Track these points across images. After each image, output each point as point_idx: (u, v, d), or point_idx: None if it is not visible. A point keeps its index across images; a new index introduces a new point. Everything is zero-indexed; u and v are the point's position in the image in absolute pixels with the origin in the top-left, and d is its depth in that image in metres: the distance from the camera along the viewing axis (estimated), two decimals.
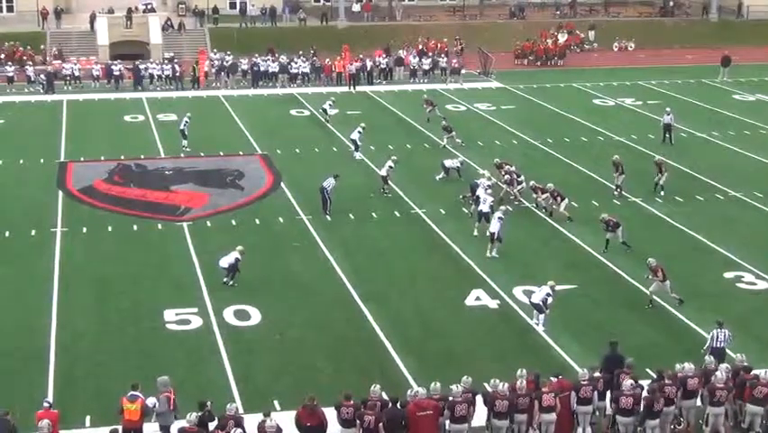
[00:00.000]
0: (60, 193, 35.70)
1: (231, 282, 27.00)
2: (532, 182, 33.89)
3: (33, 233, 31.38)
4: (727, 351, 21.79)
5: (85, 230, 31.73)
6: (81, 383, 21.75)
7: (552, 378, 19.72)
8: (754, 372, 20.02)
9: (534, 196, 33.57)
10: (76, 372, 22.26)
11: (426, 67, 58.77)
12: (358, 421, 18.41)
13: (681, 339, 24.10)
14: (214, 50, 60.74)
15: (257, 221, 32.80)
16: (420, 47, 62.52)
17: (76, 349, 23.34)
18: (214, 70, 56.38)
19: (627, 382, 19.34)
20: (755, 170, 39.04)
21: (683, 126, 45.21)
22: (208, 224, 32.48)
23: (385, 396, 19.06)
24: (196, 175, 38.00)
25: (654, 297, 25.81)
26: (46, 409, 18.35)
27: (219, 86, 55.67)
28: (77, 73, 55.76)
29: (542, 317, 24.50)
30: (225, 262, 27.12)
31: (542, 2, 78.10)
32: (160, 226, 32.23)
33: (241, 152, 41.66)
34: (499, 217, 29.58)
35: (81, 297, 26.50)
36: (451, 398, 18.79)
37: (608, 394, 19.75)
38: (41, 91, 53.76)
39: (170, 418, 18.98)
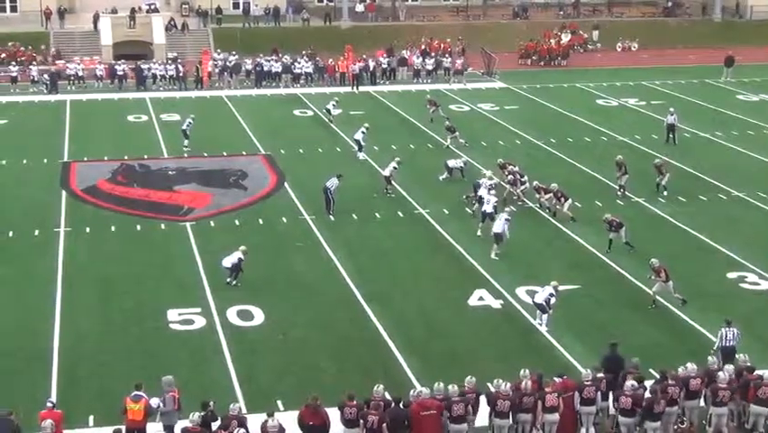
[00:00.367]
0: (64, 193, 35.73)
1: (234, 282, 27.01)
2: (536, 182, 33.86)
3: (37, 233, 31.41)
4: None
5: (88, 230, 31.75)
6: (84, 383, 21.77)
7: (555, 378, 19.72)
8: (758, 372, 20.01)
9: (538, 196, 33.55)
10: (79, 372, 22.28)
11: (430, 67, 58.76)
12: (361, 421, 18.40)
13: (685, 339, 24.08)
14: (218, 51, 60.78)
15: (260, 221, 32.81)
16: (423, 47, 62.52)
17: (79, 349, 23.36)
18: (217, 71, 56.41)
19: (628, 383, 19.33)
20: (759, 171, 39.00)
21: (687, 126, 45.17)
22: (211, 224, 32.49)
23: (388, 396, 19.07)
24: (199, 175, 38.01)
25: (658, 297, 25.80)
26: (49, 409, 18.36)
27: (222, 86, 55.70)
28: (80, 73, 55.78)
29: (545, 317, 24.50)
30: (228, 262, 27.14)
31: (545, 2, 78.04)
32: (163, 226, 32.25)
33: (244, 153, 41.68)
34: (506, 219, 29.62)
35: (84, 297, 26.52)
36: (449, 398, 18.80)
37: (611, 395, 19.78)
38: (45, 91, 53.79)
39: (175, 417, 19.01)
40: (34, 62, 57.60)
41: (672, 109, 44.49)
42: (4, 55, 58.97)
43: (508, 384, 19.16)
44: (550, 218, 32.83)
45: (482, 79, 58.83)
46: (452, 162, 37.52)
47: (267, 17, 69.11)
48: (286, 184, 36.92)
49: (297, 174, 38.02)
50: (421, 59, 59.52)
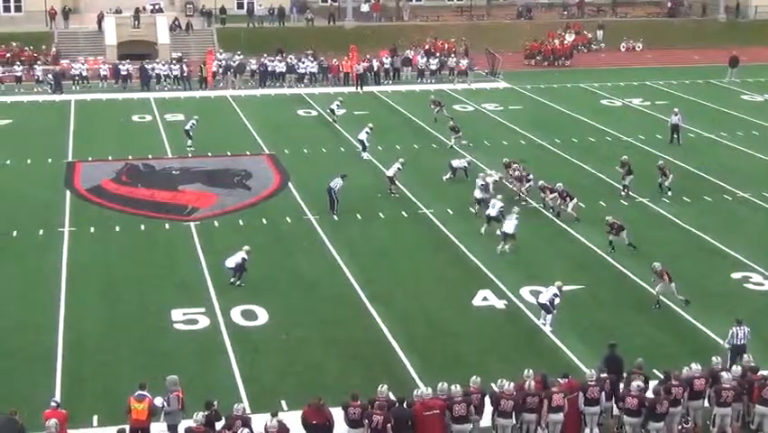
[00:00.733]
0: (68, 193, 35.76)
1: (238, 282, 27.02)
2: (541, 182, 33.86)
3: (41, 232, 31.44)
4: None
5: (92, 230, 31.78)
6: (88, 383, 21.79)
7: (560, 379, 19.70)
8: (762, 372, 19.99)
9: (543, 196, 33.54)
10: (83, 371, 22.29)
11: (434, 67, 58.75)
12: (366, 421, 18.39)
13: (688, 340, 24.06)
14: (221, 51, 60.80)
15: (264, 221, 32.83)
16: (427, 47, 62.50)
17: (83, 349, 23.38)
18: (221, 70, 56.44)
19: (635, 384, 19.32)
20: (763, 171, 38.93)
21: (691, 127, 45.11)
22: (216, 224, 32.51)
23: (392, 396, 19.07)
24: (203, 175, 38.04)
25: (661, 297, 25.77)
26: (54, 409, 18.38)
27: (225, 86, 55.72)
28: (84, 73, 55.85)
29: (549, 317, 24.48)
30: (232, 262, 27.13)
31: (549, 2, 78.04)
32: (167, 226, 32.27)
33: (248, 152, 41.71)
34: (516, 217, 29.66)
35: (88, 297, 26.54)
36: (452, 397, 18.80)
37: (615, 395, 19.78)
38: (50, 91, 53.85)
39: (179, 417, 19.03)
40: (38, 62, 57.67)
41: (676, 109, 44.44)
42: (9, 55, 59.06)
43: (512, 384, 19.16)
44: (554, 218, 32.81)
45: (486, 79, 58.82)
46: (456, 162, 37.50)
47: (271, 17, 69.17)
48: (290, 184, 36.94)
49: (300, 174, 38.03)
50: (425, 58, 59.54)
